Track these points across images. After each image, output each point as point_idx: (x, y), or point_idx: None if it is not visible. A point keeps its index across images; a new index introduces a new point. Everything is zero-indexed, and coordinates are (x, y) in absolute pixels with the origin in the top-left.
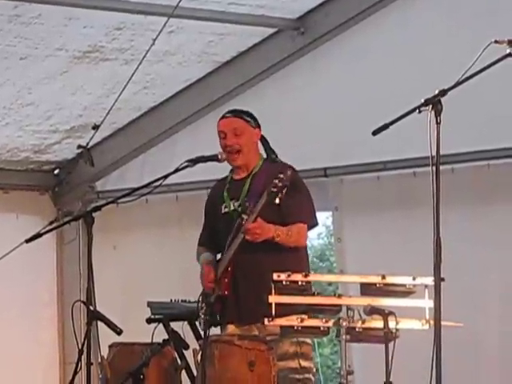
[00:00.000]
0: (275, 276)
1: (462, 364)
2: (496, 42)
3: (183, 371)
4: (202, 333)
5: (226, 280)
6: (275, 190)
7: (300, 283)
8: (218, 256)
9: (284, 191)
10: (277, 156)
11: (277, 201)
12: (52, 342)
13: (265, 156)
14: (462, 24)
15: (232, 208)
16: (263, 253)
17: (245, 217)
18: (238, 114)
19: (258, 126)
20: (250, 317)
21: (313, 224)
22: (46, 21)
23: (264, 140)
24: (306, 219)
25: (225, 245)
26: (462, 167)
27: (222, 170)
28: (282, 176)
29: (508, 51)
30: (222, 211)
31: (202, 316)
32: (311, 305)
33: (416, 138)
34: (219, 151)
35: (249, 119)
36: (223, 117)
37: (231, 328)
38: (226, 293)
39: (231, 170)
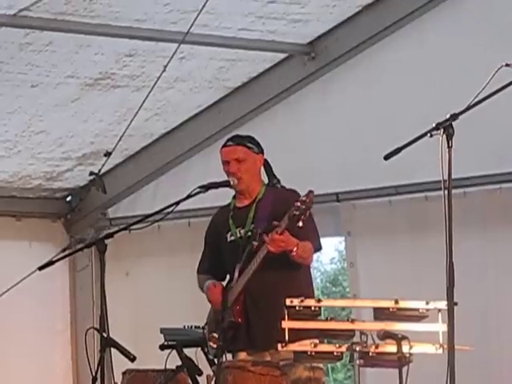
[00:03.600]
0: (288, 301)
1: None
2: (507, 65)
3: None
4: (214, 359)
5: (238, 307)
6: (297, 212)
7: (313, 308)
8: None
9: (307, 214)
10: (279, 181)
11: (300, 224)
12: (66, 370)
13: (266, 182)
14: (473, 48)
15: (238, 235)
16: (273, 277)
17: (255, 243)
18: (240, 141)
19: (261, 152)
20: (263, 343)
21: (318, 247)
22: (57, 48)
23: (267, 165)
24: (313, 241)
25: (231, 272)
26: (474, 191)
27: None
28: (305, 199)
29: None
30: (229, 239)
31: (212, 344)
32: (324, 330)
33: (428, 161)
34: (231, 177)
35: (251, 145)
36: (225, 145)
37: (243, 355)
38: (240, 320)
39: (234, 197)
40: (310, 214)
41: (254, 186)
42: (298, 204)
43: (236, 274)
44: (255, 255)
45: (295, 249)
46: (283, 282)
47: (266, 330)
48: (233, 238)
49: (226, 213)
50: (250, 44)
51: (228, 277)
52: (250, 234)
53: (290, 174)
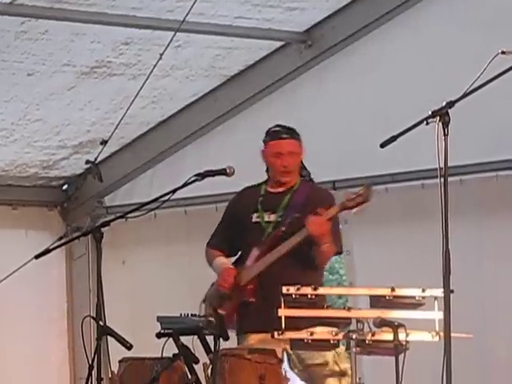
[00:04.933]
0: (284, 290)
1: (472, 375)
2: (503, 52)
3: None
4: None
5: (251, 287)
6: (351, 204)
7: (309, 296)
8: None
9: (359, 208)
10: (310, 173)
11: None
12: (62, 358)
13: None
14: (469, 35)
15: (266, 219)
16: (291, 268)
17: (283, 228)
18: (293, 134)
19: None
20: (274, 326)
21: (340, 251)
22: (53, 37)
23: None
24: (337, 243)
25: (245, 252)
26: (470, 178)
27: (230, 184)
28: (362, 192)
29: None
30: (253, 220)
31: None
32: (321, 318)
33: (424, 149)
34: (227, 165)
35: (300, 139)
36: (280, 137)
37: (255, 337)
38: (253, 299)
39: (265, 182)
40: (337, 217)
41: (294, 178)
42: (353, 196)
43: (254, 255)
44: (277, 241)
45: (327, 244)
46: (298, 275)
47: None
48: (258, 219)
49: (256, 194)
50: (246, 32)
51: (239, 254)
52: (279, 219)
53: None
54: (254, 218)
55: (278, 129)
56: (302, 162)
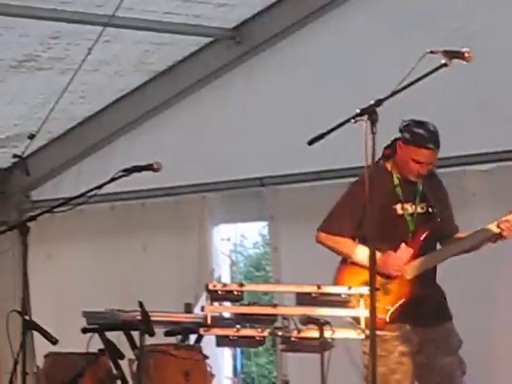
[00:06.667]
0: (211, 286)
1: None
2: (431, 52)
3: (118, 381)
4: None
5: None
6: None
7: (235, 293)
8: None
9: None
10: None
11: None
12: None
13: None
14: (398, 33)
15: (408, 211)
16: None
17: (438, 220)
18: (438, 146)
19: None
20: (433, 319)
21: None
22: None
23: None
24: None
25: (386, 244)
26: None
27: (157, 179)
28: None
29: (443, 61)
30: (398, 212)
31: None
32: (247, 314)
33: (351, 147)
34: (154, 161)
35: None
36: (427, 147)
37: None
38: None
39: (384, 164)
40: None
41: None
42: None
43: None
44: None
45: None
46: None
47: (435, 306)
48: (402, 212)
49: (389, 181)
50: (176, 28)
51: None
52: (421, 211)
53: (215, 158)
54: (399, 210)
55: (426, 135)
56: None
